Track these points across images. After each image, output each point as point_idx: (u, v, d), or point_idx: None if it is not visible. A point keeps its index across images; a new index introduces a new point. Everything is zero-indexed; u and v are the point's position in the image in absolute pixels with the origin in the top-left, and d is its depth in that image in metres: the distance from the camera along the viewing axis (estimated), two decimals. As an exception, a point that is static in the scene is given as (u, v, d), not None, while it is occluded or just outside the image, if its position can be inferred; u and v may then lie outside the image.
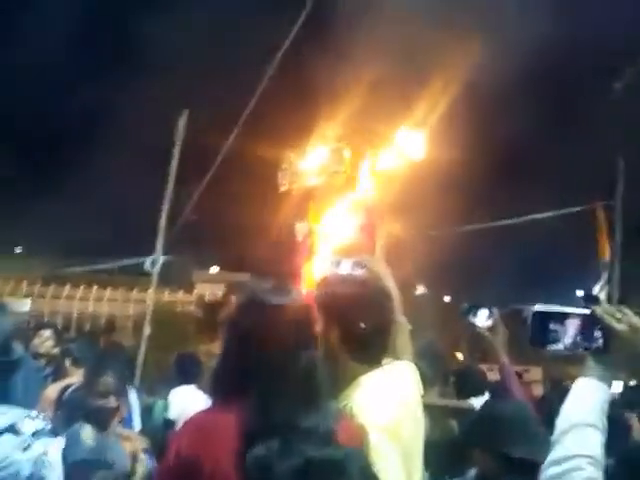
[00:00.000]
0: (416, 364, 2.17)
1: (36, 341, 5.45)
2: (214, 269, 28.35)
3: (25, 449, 1.98)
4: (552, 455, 1.50)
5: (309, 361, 1.71)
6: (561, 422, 1.54)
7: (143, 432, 4.15)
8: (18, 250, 26.85)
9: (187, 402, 5.21)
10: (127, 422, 4.20)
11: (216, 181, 8.55)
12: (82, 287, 23.31)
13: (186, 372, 5.80)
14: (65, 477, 2.54)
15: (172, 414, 5.28)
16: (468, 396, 4.56)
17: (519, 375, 3.68)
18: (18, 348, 4.30)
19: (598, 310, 1.58)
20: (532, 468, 1.71)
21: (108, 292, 23.77)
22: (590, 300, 1.72)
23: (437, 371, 4.06)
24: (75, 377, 4.42)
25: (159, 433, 4.58)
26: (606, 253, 8.22)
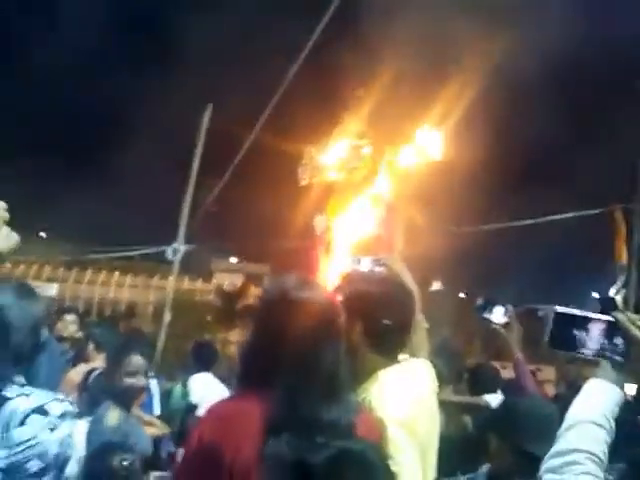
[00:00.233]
0: (432, 361, 2.22)
1: (60, 325, 5.51)
2: (233, 259, 28.52)
3: (52, 430, 2.06)
4: (554, 448, 1.54)
5: (333, 355, 1.73)
6: (568, 418, 1.57)
7: (162, 417, 4.24)
8: (42, 234, 27.18)
9: (207, 389, 5.31)
10: (147, 407, 4.30)
11: (238, 173, 8.64)
12: (104, 273, 23.58)
13: (203, 360, 5.90)
14: (88, 457, 2.62)
15: (193, 399, 5.35)
16: (482, 393, 4.60)
17: (532, 374, 3.70)
18: (44, 331, 4.38)
19: (620, 317, 1.57)
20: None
21: (129, 278, 24.02)
22: (606, 302, 1.71)
23: (452, 368, 4.08)
24: (97, 361, 4.50)
25: (178, 418, 4.67)
26: (623, 256, 8.15)
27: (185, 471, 1.77)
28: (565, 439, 1.53)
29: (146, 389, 3.78)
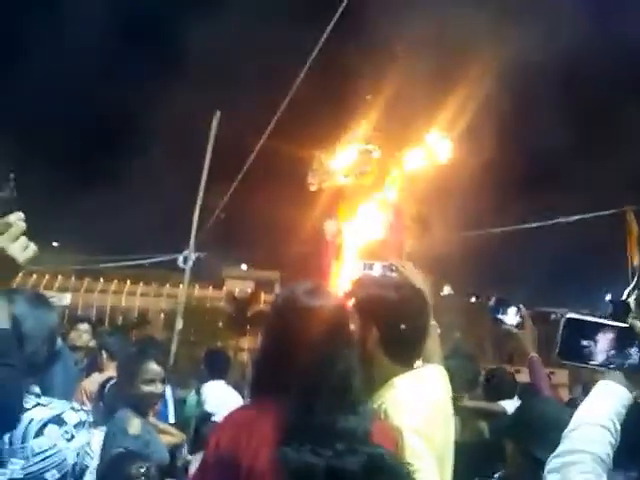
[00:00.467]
0: (446, 367, 2.21)
1: (73, 334, 5.52)
2: (244, 266, 28.57)
3: (69, 439, 2.07)
4: (558, 448, 1.55)
5: (347, 362, 1.73)
6: (574, 419, 1.58)
7: (176, 425, 4.25)
8: (55, 244, 27.36)
9: (222, 397, 5.31)
10: (161, 415, 4.30)
11: (247, 180, 8.67)
12: (115, 281, 23.72)
13: (216, 367, 5.91)
14: (105, 466, 2.62)
15: (208, 407, 5.36)
16: (498, 399, 4.55)
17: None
18: (58, 341, 4.40)
19: (638, 325, 1.55)
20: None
21: (140, 287, 24.15)
22: (619, 306, 1.70)
23: (466, 374, 4.05)
24: (111, 370, 4.51)
25: (192, 426, 4.67)
26: (636, 258, 8.11)
27: (202, 478, 1.77)
28: (569, 440, 1.54)
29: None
